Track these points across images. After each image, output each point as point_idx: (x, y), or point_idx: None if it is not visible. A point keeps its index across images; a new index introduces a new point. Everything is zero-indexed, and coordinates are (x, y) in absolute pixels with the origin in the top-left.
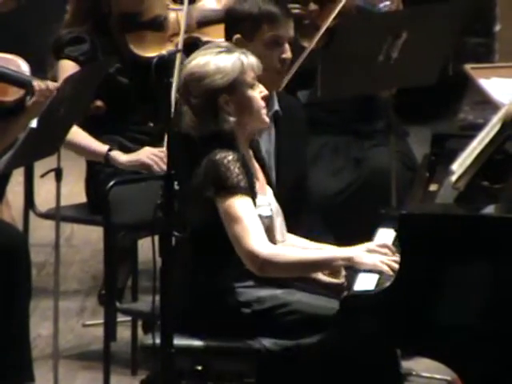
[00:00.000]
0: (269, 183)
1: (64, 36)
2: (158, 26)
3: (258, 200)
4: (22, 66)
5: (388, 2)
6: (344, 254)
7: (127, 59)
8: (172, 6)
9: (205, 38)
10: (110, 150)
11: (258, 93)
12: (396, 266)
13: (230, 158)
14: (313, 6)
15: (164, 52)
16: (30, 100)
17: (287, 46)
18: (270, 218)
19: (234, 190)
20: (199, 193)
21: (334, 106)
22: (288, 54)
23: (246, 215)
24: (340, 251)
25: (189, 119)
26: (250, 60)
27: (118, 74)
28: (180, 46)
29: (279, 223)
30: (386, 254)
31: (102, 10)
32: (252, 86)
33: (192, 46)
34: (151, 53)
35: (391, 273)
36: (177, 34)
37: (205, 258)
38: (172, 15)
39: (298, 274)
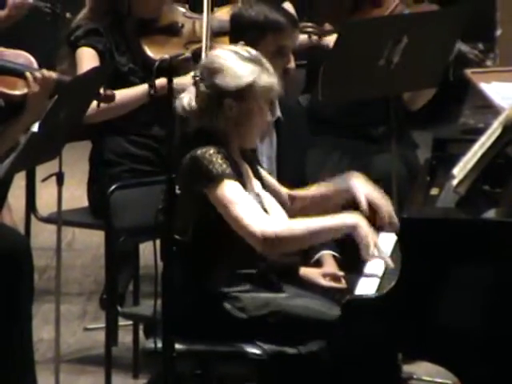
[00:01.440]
0: (258, 177)
1: (83, 25)
2: (174, 31)
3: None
4: (32, 60)
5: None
6: (349, 222)
7: (140, 61)
8: (189, 14)
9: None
10: (150, 86)
11: (266, 115)
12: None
13: (211, 151)
14: (328, 27)
15: (166, 55)
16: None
17: (291, 56)
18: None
19: (220, 178)
20: (187, 192)
21: (346, 109)
22: (291, 64)
23: (239, 197)
24: (345, 218)
25: (188, 101)
26: (271, 80)
27: (130, 74)
28: (203, 54)
29: (276, 212)
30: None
31: (120, 11)
32: (261, 107)
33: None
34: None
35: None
36: (193, 42)
37: (200, 261)
38: (188, 23)
39: (307, 246)
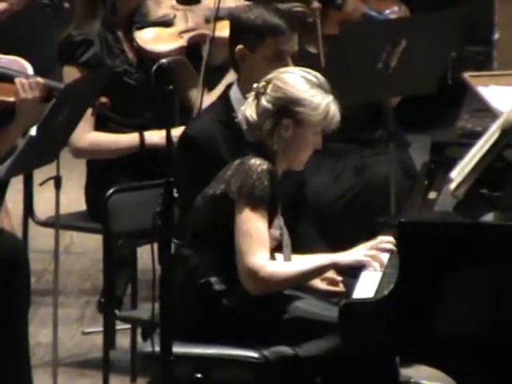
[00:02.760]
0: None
1: (73, 38)
2: (167, 23)
3: (275, 221)
4: (27, 67)
5: (396, 8)
6: (327, 262)
7: (134, 61)
8: (178, 5)
9: (216, 34)
10: (141, 134)
11: (315, 142)
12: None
13: (265, 167)
14: (316, 4)
15: (164, 60)
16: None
17: (289, 61)
18: (279, 242)
19: (255, 202)
20: (220, 192)
21: (346, 112)
22: None
23: (257, 233)
24: (323, 258)
25: (250, 113)
26: (335, 111)
27: (125, 75)
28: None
29: (287, 250)
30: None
31: (108, 11)
32: (317, 133)
33: (193, 49)
34: (162, 47)
35: (375, 265)
36: (186, 31)
37: (201, 262)
38: (179, 13)
39: (289, 288)
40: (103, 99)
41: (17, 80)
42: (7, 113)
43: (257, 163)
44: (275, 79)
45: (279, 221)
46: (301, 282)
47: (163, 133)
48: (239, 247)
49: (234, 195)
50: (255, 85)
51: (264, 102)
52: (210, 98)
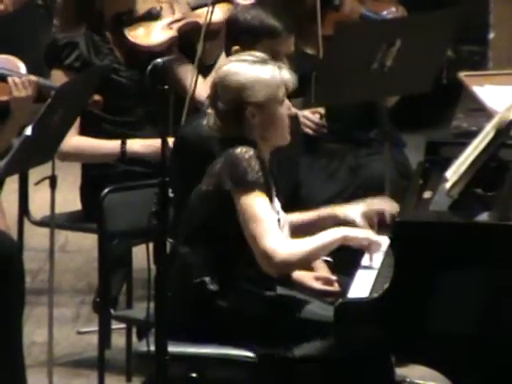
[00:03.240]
0: (277, 195)
1: (57, 42)
2: (154, 16)
3: (273, 204)
4: (18, 65)
5: (393, 9)
6: (340, 235)
7: (123, 59)
8: None
9: (201, 21)
10: (122, 143)
11: (286, 109)
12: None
13: (252, 153)
14: None
15: (159, 60)
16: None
17: (286, 62)
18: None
19: (253, 186)
20: (214, 186)
21: (334, 113)
22: None
23: (264, 215)
24: (334, 233)
25: (213, 122)
26: (286, 75)
27: (114, 73)
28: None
29: (285, 233)
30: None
31: (94, 13)
32: (281, 103)
33: (186, 45)
34: (154, 40)
35: (382, 247)
36: (175, 22)
37: (198, 261)
38: (165, 5)
39: (307, 266)
40: (96, 97)
41: (10, 79)
42: (1, 112)
43: (243, 150)
44: (216, 81)
45: (275, 204)
46: (316, 256)
47: (145, 142)
48: (249, 233)
49: (229, 186)
50: (207, 97)
51: (220, 105)
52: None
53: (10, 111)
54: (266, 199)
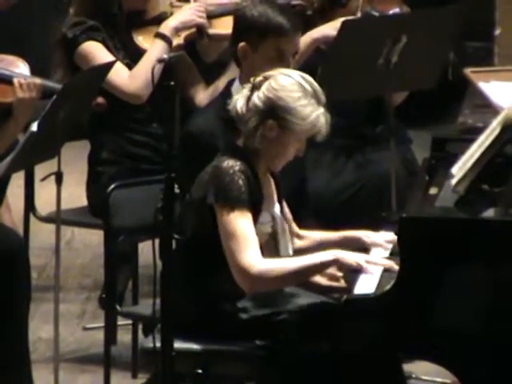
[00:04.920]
0: (279, 200)
1: (79, 24)
2: (164, 20)
3: (261, 217)
4: (22, 67)
5: (397, 9)
6: (329, 258)
7: (134, 56)
8: (176, 3)
9: (211, 31)
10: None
11: (297, 149)
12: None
13: (237, 168)
14: None
15: (165, 55)
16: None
17: (291, 61)
18: (272, 235)
19: (234, 204)
20: (200, 197)
21: (344, 109)
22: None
23: (242, 232)
24: (325, 255)
25: (240, 105)
26: (322, 124)
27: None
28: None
29: (285, 239)
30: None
31: (108, 9)
32: (300, 141)
33: (191, 45)
34: None
35: (371, 272)
36: (184, 29)
37: (200, 262)
38: (177, 11)
39: (289, 285)
40: (100, 100)
41: (15, 80)
42: (5, 113)
43: (229, 165)
44: (272, 78)
45: (269, 213)
46: (301, 277)
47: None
48: (227, 250)
49: (211, 200)
50: (252, 78)
51: (255, 98)
52: (209, 92)
53: (13, 112)
54: (248, 216)
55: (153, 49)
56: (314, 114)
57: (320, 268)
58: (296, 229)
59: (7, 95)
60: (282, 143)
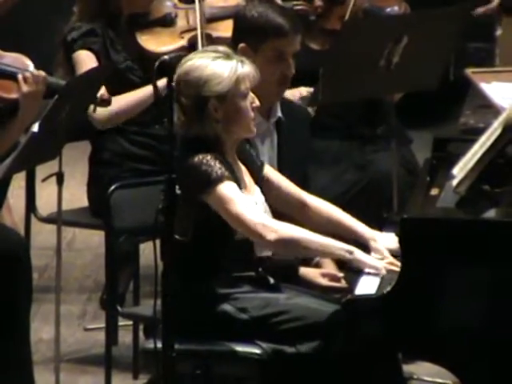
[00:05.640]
0: (257, 182)
1: (76, 29)
2: (168, 22)
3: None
4: (26, 63)
5: (396, 8)
6: (347, 256)
7: (136, 58)
8: (180, 5)
9: (214, 34)
10: (154, 86)
11: (249, 103)
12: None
13: (208, 157)
14: (318, 2)
15: (166, 56)
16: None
17: (291, 62)
18: None
19: (219, 180)
20: (187, 198)
21: (339, 110)
22: (291, 71)
23: (238, 196)
24: (345, 249)
25: (177, 117)
26: (247, 69)
27: (128, 71)
28: (199, 44)
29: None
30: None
31: (111, 11)
32: (244, 96)
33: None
34: (163, 48)
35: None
36: (187, 31)
37: (200, 263)
38: (181, 13)
39: (302, 254)
40: (105, 95)
41: (20, 75)
42: (9, 111)
43: (200, 157)
44: (179, 75)
45: (252, 196)
46: (314, 251)
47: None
48: (233, 216)
49: (198, 193)
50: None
51: (183, 100)
52: None
53: (19, 109)
54: (236, 186)
55: (143, 90)
56: (226, 67)
57: (333, 255)
58: (298, 196)
59: (12, 91)
60: (234, 111)
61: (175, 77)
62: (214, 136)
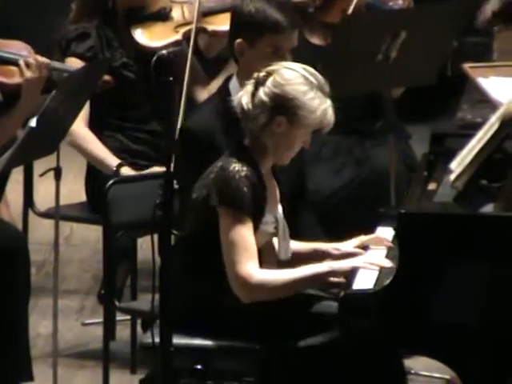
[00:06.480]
0: (281, 201)
1: (70, 32)
2: (163, 16)
3: (264, 218)
4: (27, 51)
5: (400, 1)
6: (324, 269)
7: (133, 54)
8: None
9: (210, 28)
10: (119, 165)
11: (304, 141)
12: (384, 262)
13: (243, 174)
14: None
15: (164, 51)
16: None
17: (288, 57)
18: (274, 236)
19: (236, 210)
20: (203, 197)
21: (338, 105)
22: None
23: (242, 241)
24: (320, 267)
25: (245, 102)
26: (330, 117)
27: (123, 68)
28: (191, 41)
29: (285, 241)
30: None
31: (108, 6)
32: (307, 134)
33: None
34: (158, 43)
35: (374, 268)
36: (183, 25)
37: (203, 258)
38: (176, 7)
39: (284, 296)
40: (106, 77)
41: (22, 61)
42: (11, 97)
43: (235, 169)
44: (276, 73)
45: (272, 215)
46: (296, 288)
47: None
48: (227, 257)
49: (215, 202)
50: (255, 74)
51: (262, 94)
52: (207, 91)
53: (21, 96)
54: (249, 225)
55: (108, 157)
56: (322, 106)
57: (316, 279)
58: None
59: (14, 77)
60: (291, 137)
61: (272, 69)
62: (262, 143)
